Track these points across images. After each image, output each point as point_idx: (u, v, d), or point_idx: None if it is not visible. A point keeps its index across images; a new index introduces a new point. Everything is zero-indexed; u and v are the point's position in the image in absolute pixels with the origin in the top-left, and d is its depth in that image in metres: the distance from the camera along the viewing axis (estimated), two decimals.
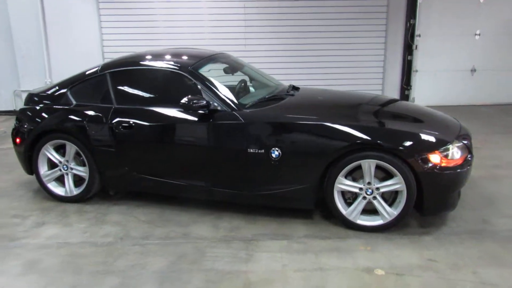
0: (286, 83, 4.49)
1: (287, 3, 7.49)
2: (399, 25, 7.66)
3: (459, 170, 3.21)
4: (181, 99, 3.47)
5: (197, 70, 3.69)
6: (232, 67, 4.26)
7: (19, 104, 7.96)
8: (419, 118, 3.68)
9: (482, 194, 4.03)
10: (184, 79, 3.69)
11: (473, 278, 2.76)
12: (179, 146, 3.62)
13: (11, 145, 5.87)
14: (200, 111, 3.49)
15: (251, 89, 4.23)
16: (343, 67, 7.74)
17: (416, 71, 7.81)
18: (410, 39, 7.67)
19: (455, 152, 3.25)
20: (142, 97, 3.84)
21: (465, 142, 3.43)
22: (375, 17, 7.57)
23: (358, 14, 7.55)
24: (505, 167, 4.75)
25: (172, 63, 3.79)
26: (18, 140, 4.04)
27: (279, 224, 3.52)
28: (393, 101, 4.25)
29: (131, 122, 3.67)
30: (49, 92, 4.13)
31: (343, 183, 3.30)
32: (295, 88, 4.27)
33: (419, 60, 7.77)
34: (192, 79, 3.63)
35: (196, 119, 3.53)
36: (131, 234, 3.39)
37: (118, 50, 7.59)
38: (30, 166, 4.05)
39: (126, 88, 3.85)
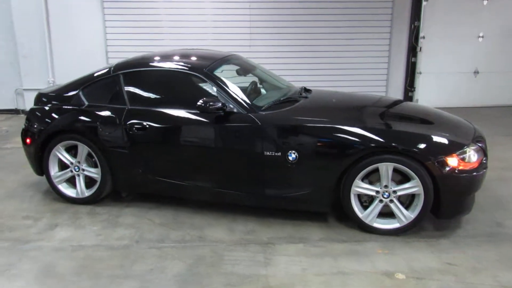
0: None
1: (293, 4, 7.47)
2: (404, 27, 7.68)
3: (475, 173, 3.21)
4: (196, 100, 3.45)
5: (212, 72, 3.67)
6: (244, 68, 4.24)
7: (21, 103, 7.94)
8: (433, 121, 3.68)
9: (493, 196, 4.04)
10: (199, 80, 3.67)
11: (493, 282, 2.76)
12: (194, 148, 3.59)
13: (15, 144, 5.88)
14: (216, 113, 3.47)
15: (262, 90, 4.21)
16: (348, 68, 7.74)
17: (420, 73, 7.84)
18: (414, 41, 7.69)
19: (471, 155, 3.25)
20: (156, 98, 3.81)
21: (481, 144, 3.44)
22: (380, 19, 7.59)
23: (363, 15, 7.55)
24: (510, 170, 4.78)
25: (187, 64, 3.77)
26: (28, 140, 3.99)
27: (294, 227, 3.51)
28: (403, 102, 4.26)
29: (145, 124, 3.63)
30: (59, 92, 4.09)
31: (360, 186, 3.30)
32: (307, 90, 4.26)
33: (423, 62, 7.79)
34: (208, 80, 3.61)
35: (211, 121, 3.51)
36: (146, 237, 3.37)
37: (122, 50, 7.58)
38: (40, 166, 4.00)
39: (139, 89, 3.82)
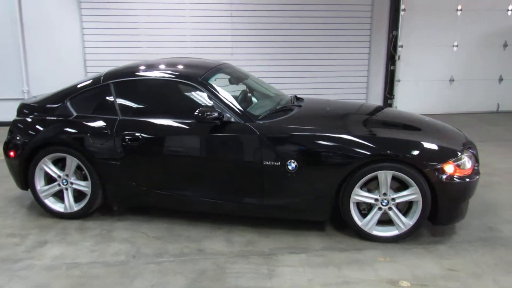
0: None
1: (275, 12, 7.52)
2: (382, 37, 7.86)
3: (470, 180, 3.29)
4: (191, 110, 3.40)
5: (207, 81, 3.61)
6: (236, 77, 4.21)
7: None
8: (426, 128, 3.75)
9: (481, 201, 4.15)
10: (194, 90, 3.61)
11: (494, 286, 2.82)
12: (189, 158, 3.51)
13: None
14: (212, 123, 3.41)
15: (253, 99, 4.18)
16: (329, 76, 7.85)
17: (399, 80, 8.04)
18: (392, 50, 7.88)
19: (466, 162, 3.33)
20: (150, 108, 3.71)
21: (473, 151, 3.53)
22: (359, 28, 7.74)
23: (343, 25, 7.69)
24: (496, 174, 4.93)
25: (181, 73, 3.70)
26: (12, 153, 3.80)
27: (293, 237, 3.48)
28: (388, 109, 4.35)
29: (138, 135, 3.53)
30: (44, 103, 3.93)
31: (359, 194, 3.31)
32: (298, 99, 4.27)
33: (401, 70, 8.00)
34: (203, 90, 3.55)
35: (207, 130, 3.44)
36: (143, 252, 3.25)
37: (101, 58, 7.42)
38: (25, 180, 3.82)
39: (132, 99, 3.72)
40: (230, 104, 3.50)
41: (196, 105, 3.54)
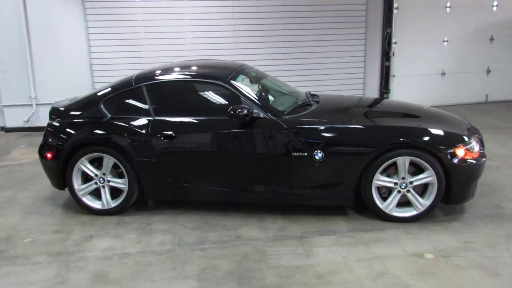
0: None
1: (275, 14, 7.82)
2: (377, 34, 8.23)
3: (478, 162, 3.64)
4: (221, 108, 3.71)
5: (235, 80, 3.89)
6: (256, 76, 4.48)
7: (0, 120, 7.68)
8: (442, 117, 4.09)
9: (485, 183, 4.51)
10: (222, 89, 3.87)
11: (508, 254, 3.16)
12: (222, 153, 3.78)
13: (9, 161, 5.78)
14: (243, 119, 3.67)
15: (270, 97, 4.46)
16: (328, 73, 8.18)
17: (394, 75, 8.42)
18: (387, 46, 8.26)
19: (474, 146, 3.68)
20: (181, 108, 3.95)
21: (478, 136, 3.89)
22: (355, 27, 8.10)
23: (340, 23, 8.03)
24: (495, 159, 5.31)
25: (210, 74, 3.96)
26: (49, 155, 4.00)
27: (320, 221, 3.78)
28: (403, 103, 4.68)
29: (172, 133, 3.78)
30: (77, 106, 4.14)
31: (380, 179, 3.63)
32: (313, 95, 4.58)
33: (396, 66, 8.39)
34: (231, 89, 3.82)
35: (237, 126, 3.71)
36: (186, 241, 3.51)
37: (107, 62, 7.60)
38: (63, 180, 4.03)
39: (164, 100, 3.96)
40: (259, 101, 3.78)
41: (226, 103, 3.82)
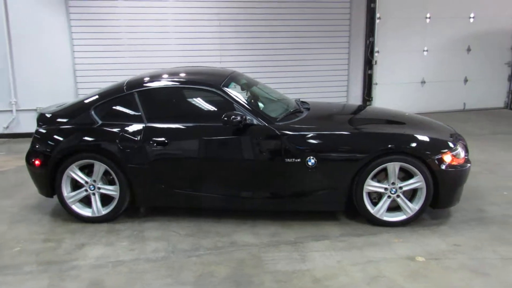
0: None
1: (262, 22, 7.91)
2: (360, 43, 8.42)
3: (464, 167, 3.77)
4: (214, 115, 3.75)
5: (228, 87, 3.92)
6: (247, 83, 4.52)
7: None
8: (428, 124, 4.23)
9: (468, 188, 4.63)
10: (215, 96, 3.89)
11: (494, 255, 3.28)
12: (215, 160, 3.79)
13: None
14: (236, 126, 3.70)
15: (261, 104, 4.51)
16: (312, 81, 8.30)
17: (376, 84, 8.62)
18: (370, 55, 8.45)
19: (460, 152, 3.81)
20: (174, 114, 3.95)
21: (463, 142, 4.03)
22: (339, 36, 8.27)
23: (324, 32, 8.18)
24: (476, 165, 5.43)
25: (203, 81, 3.98)
26: (37, 162, 3.92)
27: (313, 226, 3.83)
28: (389, 110, 4.80)
29: (164, 140, 3.77)
30: (66, 112, 4.08)
31: (371, 185, 3.71)
32: (303, 102, 4.65)
33: (378, 74, 8.59)
34: (224, 96, 3.85)
35: (230, 133, 3.74)
36: (180, 247, 3.49)
37: (91, 68, 7.51)
38: (51, 188, 3.95)
39: (156, 106, 3.95)
40: (252, 108, 3.82)
41: (219, 110, 3.84)
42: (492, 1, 8.87)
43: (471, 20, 8.84)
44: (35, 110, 7.45)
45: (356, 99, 8.63)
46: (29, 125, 7.44)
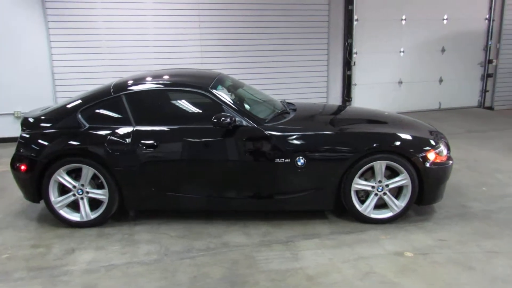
0: None
1: (242, 23, 7.95)
2: (339, 44, 8.57)
3: (447, 164, 3.91)
4: (203, 117, 3.80)
5: (216, 89, 3.94)
6: (233, 85, 4.55)
7: None
8: (410, 123, 4.35)
9: (449, 185, 4.78)
10: (204, 98, 3.90)
11: (478, 249, 3.42)
12: (204, 161, 3.81)
13: None
14: (225, 127, 3.72)
15: (249, 105, 4.54)
16: (293, 82, 8.40)
17: (355, 84, 8.79)
18: (348, 56, 8.62)
19: (443, 149, 3.95)
20: (162, 117, 3.94)
21: (445, 140, 4.18)
22: (318, 37, 8.39)
23: (304, 34, 8.29)
24: (455, 162, 5.65)
25: (191, 83, 3.99)
26: (23, 167, 3.84)
27: (302, 225, 3.89)
28: (372, 110, 4.92)
29: (153, 142, 3.76)
30: (52, 116, 4.02)
31: (359, 183, 3.80)
32: (289, 103, 4.71)
33: (357, 75, 8.76)
34: (213, 98, 3.87)
35: (219, 134, 3.76)
36: (172, 250, 3.50)
37: (70, 71, 7.39)
38: (38, 193, 3.88)
39: (144, 109, 3.93)
40: (241, 110, 3.86)
41: (207, 112, 3.84)
42: (465, 3, 9.19)
43: (445, 22, 9.13)
44: (13, 114, 7.28)
45: (335, 100, 8.78)
46: (6, 129, 7.28)
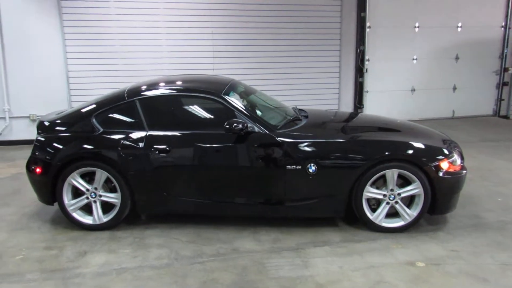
0: None
1: (255, 30, 8.01)
2: (351, 51, 8.56)
3: (461, 175, 3.87)
4: (215, 122, 3.82)
5: (228, 95, 3.96)
6: (246, 91, 4.57)
7: None
8: (423, 131, 4.31)
9: (462, 195, 4.70)
10: (216, 104, 3.93)
11: (493, 261, 3.37)
12: (215, 167, 3.83)
13: None
14: (238, 133, 3.74)
15: (261, 112, 4.55)
16: (305, 89, 8.41)
17: (367, 91, 8.77)
18: (360, 63, 8.60)
19: (456, 159, 3.91)
20: (175, 122, 3.98)
21: (459, 149, 4.14)
22: (330, 44, 8.40)
23: (316, 41, 8.31)
24: (468, 172, 5.61)
25: (204, 89, 4.02)
26: (38, 170, 3.91)
27: (313, 233, 3.88)
28: (384, 119, 4.90)
29: (166, 147, 3.80)
30: (67, 120, 4.08)
31: (370, 191, 3.78)
32: (301, 110, 4.72)
33: (369, 82, 8.74)
34: (226, 104, 3.89)
35: (231, 140, 3.78)
36: (182, 254, 3.51)
37: (84, 75, 7.50)
38: (52, 196, 3.94)
39: (158, 114, 3.97)
40: (253, 116, 3.88)
41: (220, 117, 3.86)
42: (480, 11, 9.13)
43: (459, 29, 9.07)
44: (28, 117, 7.41)
45: (347, 107, 8.76)
46: (22, 132, 7.42)
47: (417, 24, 8.83)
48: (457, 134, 7.87)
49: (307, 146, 3.77)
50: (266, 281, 3.11)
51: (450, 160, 3.83)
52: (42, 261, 3.41)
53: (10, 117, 7.38)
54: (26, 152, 4.24)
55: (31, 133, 6.81)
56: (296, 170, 3.73)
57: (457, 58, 9.17)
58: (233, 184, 3.86)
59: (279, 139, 3.77)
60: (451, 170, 3.80)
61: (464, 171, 3.94)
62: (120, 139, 3.85)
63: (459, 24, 9.04)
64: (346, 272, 3.23)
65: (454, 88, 9.32)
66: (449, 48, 9.10)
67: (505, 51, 9.35)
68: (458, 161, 3.92)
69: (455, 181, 3.83)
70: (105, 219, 3.93)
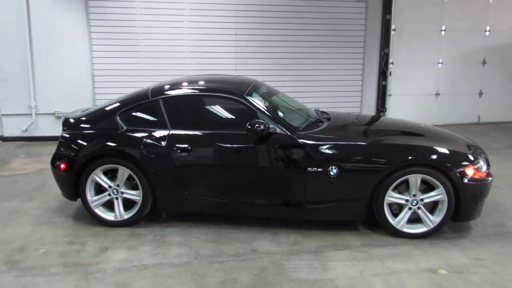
0: None
1: (278, 31, 8.02)
2: (375, 54, 8.47)
3: (486, 181, 3.77)
4: (237, 123, 3.82)
5: (251, 96, 3.97)
6: (268, 92, 4.57)
7: None
8: (450, 137, 4.23)
9: (487, 202, 4.56)
10: (239, 104, 3.94)
11: None
12: (236, 167, 3.83)
13: (11, 171, 5.72)
14: (259, 134, 3.74)
15: (282, 113, 4.54)
16: (327, 91, 8.36)
17: (390, 95, 8.65)
18: (384, 66, 8.49)
19: (482, 165, 3.82)
20: (197, 121, 4.01)
21: (485, 156, 4.04)
22: (354, 46, 8.33)
23: (340, 43, 8.26)
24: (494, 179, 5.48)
25: (227, 89, 4.03)
26: (63, 166, 3.99)
27: (333, 236, 3.84)
28: (407, 122, 4.82)
29: (188, 146, 3.83)
30: (92, 117, 4.16)
31: (392, 196, 3.73)
32: (323, 112, 4.69)
33: (392, 85, 8.62)
34: (248, 104, 3.90)
35: (253, 141, 3.78)
36: (202, 253, 3.53)
37: (109, 74, 7.63)
38: (76, 191, 4.02)
39: (180, 113, 4.01)
40: (275, 117, 3.87)
41: (242, 118, 3.87)
42: (508, 15, 8.90)
43: (487, 33, 8.87)
44: (54, 114, 7.58)
45: (369, 110, 8.67)
46: (47, 128, 7.59)
47: (443, 28, 8.67)
48: (482, 140, 7.68)
49: (328, 148, 3.74)
50: (285, 283, 3.10)
51: (476, 166, 3.74)
52: (65, 256, 3.48)
53: (36, 114, 7.57)
54: (51, 148, 4.34)
55: (56, 130, 7.00)
56: (317, 172, 3.71)
57: (484, 62, 8.96)
58: (254, 185, 3.86)
59: (300, 140, 3.76)
60: (477, 176, 3.71)
61: (490, 178, 3.84)
62: (143, 137, 3.90)
63: (487, 28, 8.84)
64: (366, 277, 3.19)
65: (480, 93, 9.11)
66: (476, 52, 8.90)
67: None
68: (484, 168, 3.83)
69: (480, 188, 3.73)
70: (126, 216, 3.98)
